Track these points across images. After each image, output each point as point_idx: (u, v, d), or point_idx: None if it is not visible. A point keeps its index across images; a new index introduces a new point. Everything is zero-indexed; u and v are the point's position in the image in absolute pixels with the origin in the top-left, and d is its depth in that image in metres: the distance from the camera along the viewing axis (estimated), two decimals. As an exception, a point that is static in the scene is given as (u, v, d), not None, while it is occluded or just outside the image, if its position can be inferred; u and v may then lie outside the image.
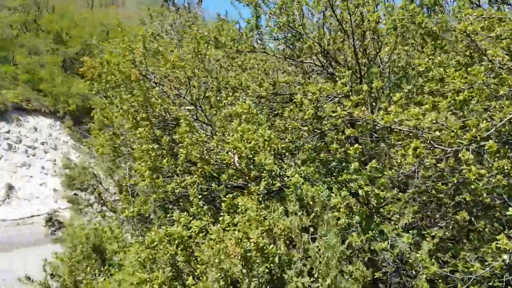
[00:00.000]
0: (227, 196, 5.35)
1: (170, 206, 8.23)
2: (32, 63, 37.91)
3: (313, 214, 5.02)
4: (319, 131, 5.93)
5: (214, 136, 6.43)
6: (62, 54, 39.72)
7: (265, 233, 4.55)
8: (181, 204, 6.84)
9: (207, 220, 5.96)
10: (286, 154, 5.79)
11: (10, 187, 32.65)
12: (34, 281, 8.22)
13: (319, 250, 5.11)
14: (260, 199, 4.85)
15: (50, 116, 37.55)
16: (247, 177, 5.91)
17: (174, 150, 6.59)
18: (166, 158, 6.40)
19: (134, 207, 7.29)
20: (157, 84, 6.47)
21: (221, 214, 5.82)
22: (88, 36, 41.75)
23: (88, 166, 10.43)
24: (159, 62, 7.29)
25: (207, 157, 5.68)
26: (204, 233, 5.75)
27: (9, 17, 39.28)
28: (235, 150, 5.56)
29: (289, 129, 5.57)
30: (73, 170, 10.70)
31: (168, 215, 8.02)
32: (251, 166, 6.10)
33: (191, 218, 5.77)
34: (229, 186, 6.16)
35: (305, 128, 5.56)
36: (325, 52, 6.19)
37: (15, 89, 35.85)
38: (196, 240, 5.78)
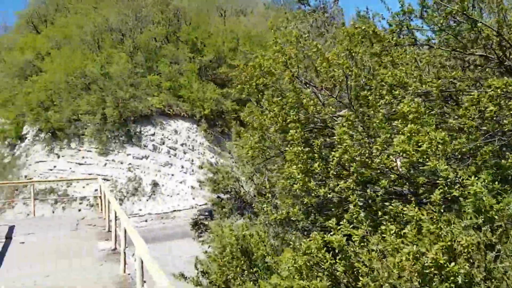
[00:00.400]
0: (392, 204, 4.89)
1: (313, 211, 8.02)
2: (172, 71, 41.52)
3: (500, 229, 4.29)
4: (497, 132, 5.12)
5: (368, 138, 6.02)
6: (198, 62, 42.73)
7: (444, 249, 4.00)
8: (332, 209, 6.55)
9: (365, 229, 5.57)
10: (459, 157, 5.12)
11: (155, 184, 36.18)
12: (188, 278, 8.68)
13: (505, 271, 4.37)
14: (442, 210, 4.30)
15: (188, 119, 40.73)
16: (409, 184, 5.36)
17: (323, 153, 6.35)
18: (318, 162, 6.17)
19: (283, 210, 7.21)
20: (308, 85, 6.30)
21: (383, 222, 5.38)
22: (220, 45, 44.36)
23: (231, 170, 10.80)
24: (303, 62, 7.14)
25: (367, 160, 5.29)
26: (363, 242, 5.37)
27: (153, 31, 43.57)
28: (398, 154, 5.07)
29: (464, 129, 4.90)
30: (216, 174, 11.22)
31: (311, 220, 7.82)
32: (412, 171, 5.55)
33: (349, 225, 5.43)
34: (388, 192, 5.68)
35: (484, 128, 4.83)
36: (504, 42, 5.34)
37: (159, 96, 39.66)
38: (354, 250, 5.44)
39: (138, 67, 40.18)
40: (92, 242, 11.05)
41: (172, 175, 37.30)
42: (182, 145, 39.33)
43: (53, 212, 33.23)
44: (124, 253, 8.52)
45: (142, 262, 6.30)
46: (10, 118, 40.25)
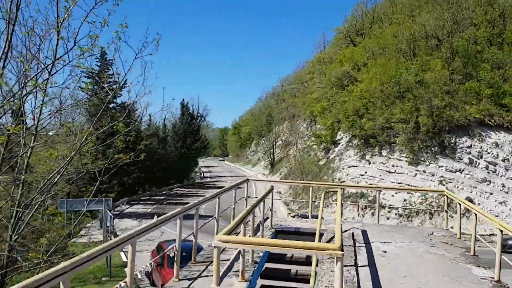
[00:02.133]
0: None
1: None
2: (495, 77, 36.76)
3: None
4: None
5: None
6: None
7: None
8: None
9: None
10: None
11: (470, 201, 32.62)
12: None
13: None
14: None
15: (513, 132, 35.21)
16: None
17: None
18: None
19: None
20: None
21: None
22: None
23: None
24: None
25: None
26: None
27: (473, 33, 39.73)
28: None
29: None
30: None
31: None
32: None
33: None
34: None
35: None
36: None
37: (478, 105, 35.79)
38: None
39: (455, 73, 37.41)
40: (462, 265, 9.89)
41: (491, 193, 32.84)
42: (503, 160, 34.19)
43: (362, 216, 34.52)
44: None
45: None
46: (326, 124, 44.65)
